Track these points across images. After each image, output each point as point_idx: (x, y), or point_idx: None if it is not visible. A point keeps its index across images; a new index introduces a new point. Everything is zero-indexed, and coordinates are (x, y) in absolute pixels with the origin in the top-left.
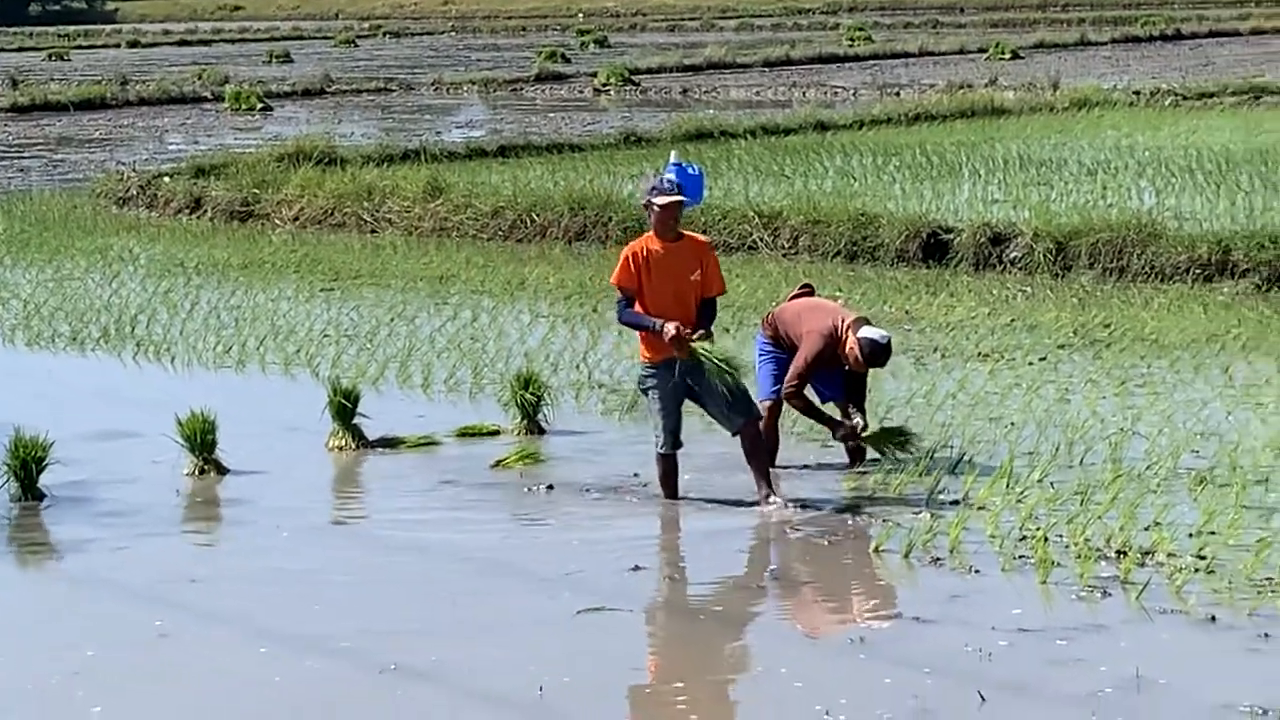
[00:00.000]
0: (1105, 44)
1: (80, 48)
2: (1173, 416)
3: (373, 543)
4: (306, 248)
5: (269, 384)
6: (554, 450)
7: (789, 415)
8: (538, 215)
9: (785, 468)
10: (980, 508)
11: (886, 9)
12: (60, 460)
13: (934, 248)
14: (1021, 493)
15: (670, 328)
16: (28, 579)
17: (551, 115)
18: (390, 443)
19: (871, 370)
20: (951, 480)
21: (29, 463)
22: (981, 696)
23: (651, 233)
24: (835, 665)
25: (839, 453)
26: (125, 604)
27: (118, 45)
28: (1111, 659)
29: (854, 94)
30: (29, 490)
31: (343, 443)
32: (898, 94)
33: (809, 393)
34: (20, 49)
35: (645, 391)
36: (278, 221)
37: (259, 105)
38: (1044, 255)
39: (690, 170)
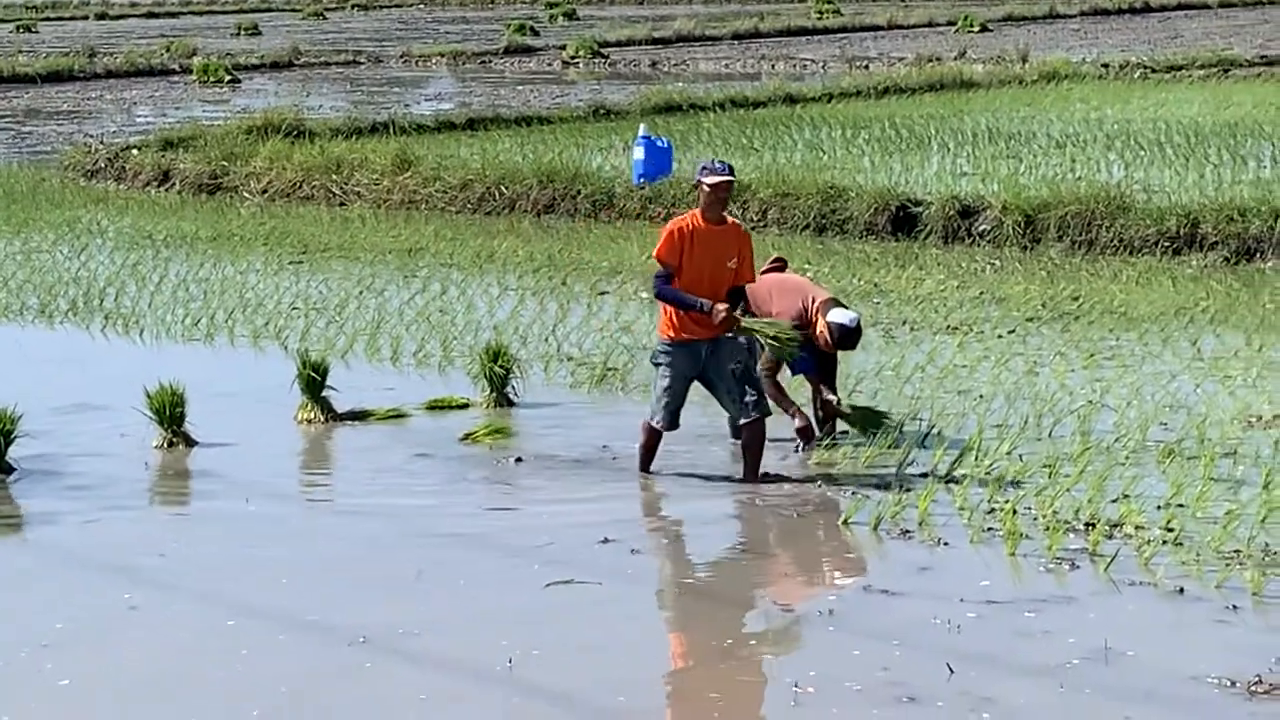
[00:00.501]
0: (1074, 16)
1: (48, 19)
2: (1141, 389)
3: (341, 515)
4: (275, 220)
5: (238, 356)
6: (523, 423)
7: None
8: (506, 188)
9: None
10: (949, 480)
11: None
12: (29, 433)
13: (903, 221)
14: (990, 465)
15: (721, 308)
16: None
17: (520, 88)
18: (359, 415)
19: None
20: (920, 453)
21: None
22: (950, 668)
23: (698, 211)
24: (804, 637)
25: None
26: (94, 577)
27: (85, 17)
28: (1080, 631)
29: (823, 67)
30: None
31: (311, 415)
32: (866, 67)
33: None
34: None
35: (657, 366)
36: (246, 194)
37: (227, 78)
38: (1013, 228)
39: (659, 143)
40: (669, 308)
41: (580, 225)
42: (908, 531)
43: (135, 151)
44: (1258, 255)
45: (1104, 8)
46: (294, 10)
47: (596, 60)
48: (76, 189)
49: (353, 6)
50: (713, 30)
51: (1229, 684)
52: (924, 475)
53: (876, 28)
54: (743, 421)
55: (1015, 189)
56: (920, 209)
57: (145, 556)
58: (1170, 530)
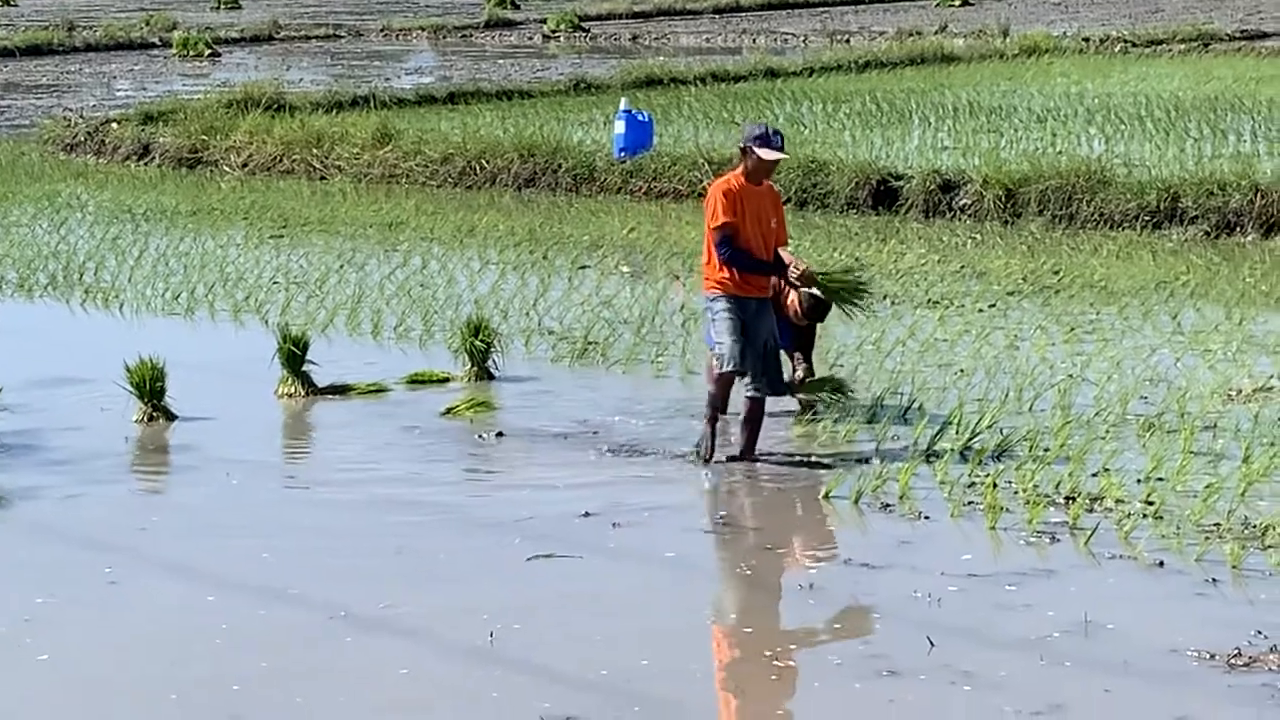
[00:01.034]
0: None
1: None
2: (1121, 363)
3: (322, 490)
4: (255, 194)
5: (218, 331)
6: (504, 397)
7: None
8: (487, 162)
9: (737, 414)
10: (930, 454)
11: None
12: (9, 407)
13: (884, 195)
14: (971, 439)
15: (801, 264)
16: None
17: (501, 62)
18: (340, 390)
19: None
20: (901, 427)
21: None
22: (931, 641)
23: (738, 173)
24: (785, 611)
25: (789, 401)
26: (74, 551)
27: None
28: (1060, 604)
29: (804, 41)
30: None
31: (292, 390)
32: (847, 41)
33: None
34: None
35: (713, 316)
36: (226, 168)
37: (207, 51)
38: (993, 202)
39: (640, 117)
40: (717, 261)
41: (561, 199)
42: (888, 505)
43: (115, 125)
44: (1237, 229)
45: None
46: None
47: (577, 34)
48: (56, 163)
49: None
50: (693, 4)
51: (1208, 656)
52: (905, 449)
53: (857, 1)
54: (748, 394)
55: (996, 163)
56: (901, 183)
57: (125, 531)
58: (1150, 504)
